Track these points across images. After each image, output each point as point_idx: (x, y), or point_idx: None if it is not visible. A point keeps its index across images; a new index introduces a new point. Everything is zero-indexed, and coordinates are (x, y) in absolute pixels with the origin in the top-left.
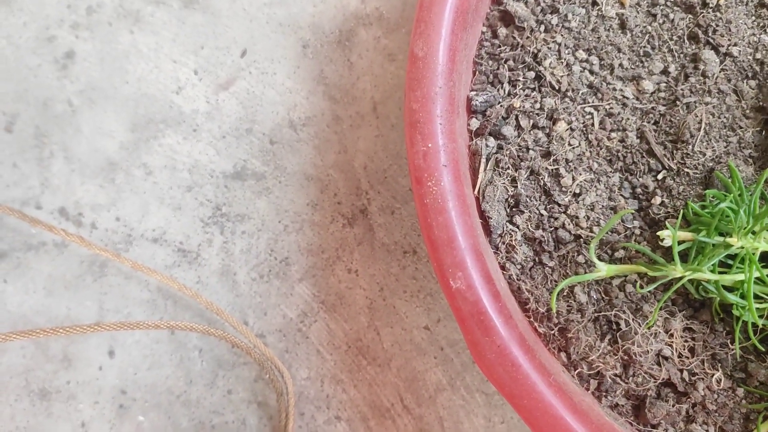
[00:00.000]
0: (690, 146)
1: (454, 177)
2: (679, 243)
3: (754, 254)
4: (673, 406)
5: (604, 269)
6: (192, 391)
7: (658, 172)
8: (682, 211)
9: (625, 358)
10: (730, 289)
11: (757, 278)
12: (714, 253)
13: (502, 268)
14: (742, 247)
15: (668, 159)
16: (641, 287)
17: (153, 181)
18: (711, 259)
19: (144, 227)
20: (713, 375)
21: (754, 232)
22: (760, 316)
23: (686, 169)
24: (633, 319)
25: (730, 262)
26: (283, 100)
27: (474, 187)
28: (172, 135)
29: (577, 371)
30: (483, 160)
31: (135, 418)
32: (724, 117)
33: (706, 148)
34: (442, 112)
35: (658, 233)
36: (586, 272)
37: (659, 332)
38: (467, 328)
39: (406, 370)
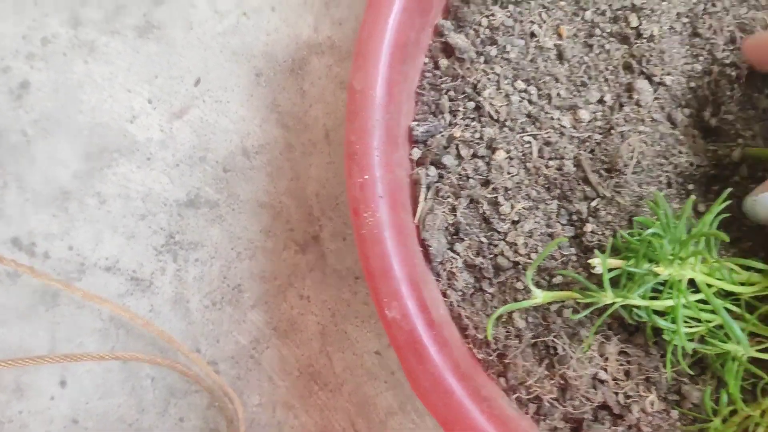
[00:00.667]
0: (623, 175)
1: (390, 207)
2: (611, 270)
3: (680, 281)
4: (610, 428)
5: (540, 296)
6: (144, 419)
7: (593, 199)
8: (612, 238)
9: (562, 382)
10: (662, 313)
11: (686, 304)
12: (643, 281)
13: (444, 294)
14: (669, 275)
15: (603, 187)
16: (574, 313)
17: (106, 209)
18: (640, 287)
19: (97, 256)
20: (647, 397)
21: (681, 259)
22: (690, 340)
23: (618, 198)
24: (569, 345)
25: (660, 287)
26: (236, 128)
27: (414, 215)
28: (125, 164)
29: (515, 395)
30: (423, 189)
31: None
32: (658, 145)
33: (639, 177)
34: (380, 144)
35: (589, 261)
36: (524, 298)
37: (594, 356)
38: (403, 356)
39: (357, 394)
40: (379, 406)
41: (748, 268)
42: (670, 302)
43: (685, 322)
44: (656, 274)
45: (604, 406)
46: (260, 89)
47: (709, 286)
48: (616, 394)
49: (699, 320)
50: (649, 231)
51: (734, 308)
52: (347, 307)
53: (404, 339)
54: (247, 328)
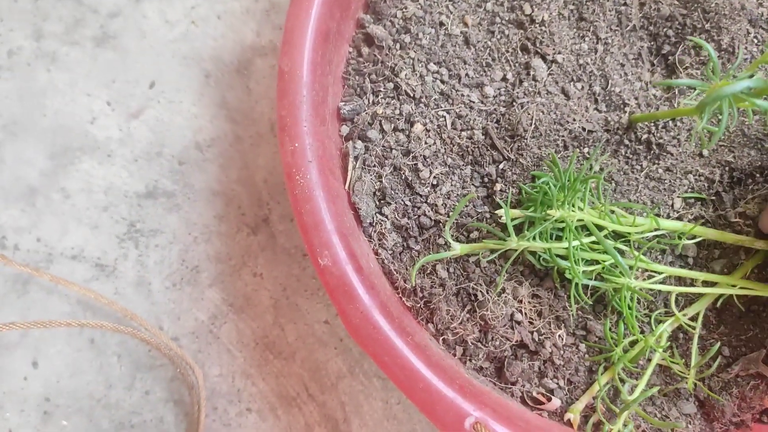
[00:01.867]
0: (524, 140)
1: (319, 171)
2: (514, 219)
3: (572, 222)
4: (528, 364)
5: (458, 248)
6: (112, 394)
7: (500, 162)
8: (519, 193)
9: (482, 323)
10: (565, 258)
11: (587, 244)
12: (538, 224)
13: (376, 253)
14: (561, 219)
15: (507, 151)
16: (483, 256)
17: (71, 203)
18: (536, 229)
19: (63, 246)
20: (557, 333)
21: (572, 204)
22: (589, 279)
23: (521, 160)
24: (487, 290)
25: (561, 234)
26: (189, 124)
27: (345, 183)
28: (88, 161)
29: (442, 338)
30: (352, 160)
31: (59, 422)
32: (554, 114)
33: (538, 141)
34: (307, 117)
35: (496, 211)
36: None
37: (509, 299)
38: (335, 299)
39: (309, 361)
40: (330, 371)
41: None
42: (566, 244)
43: (585, 262)
44: (548, 217)
45: (521, 345)
46: (210, 89)
47: (601, 228)
48: (531, 333)
49: (598, 261)
50: (541, 180)
51: (624, 247)
52: (297, 281)
53: (335, 283)
54: (206, 305)
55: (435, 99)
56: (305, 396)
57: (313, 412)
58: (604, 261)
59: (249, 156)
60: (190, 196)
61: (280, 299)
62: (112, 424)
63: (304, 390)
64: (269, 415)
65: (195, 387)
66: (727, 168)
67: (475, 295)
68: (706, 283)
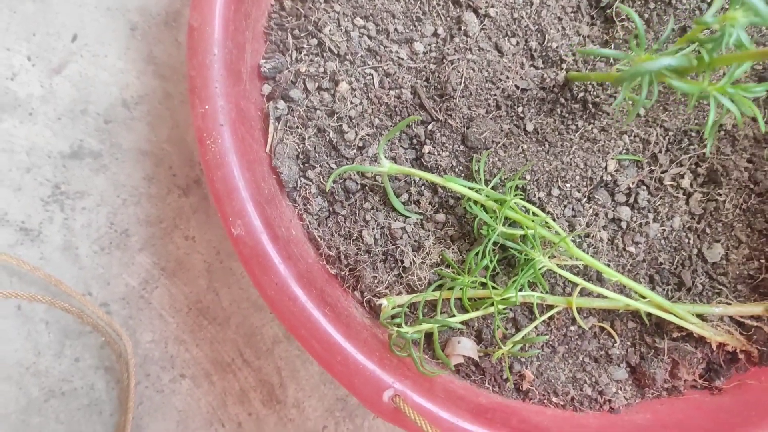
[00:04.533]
0: (453, 99)
1: (233, 135)
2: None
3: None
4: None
5: (386, 165)
6: (41, 361)
7: (429, 123)
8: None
9: (409, 288)
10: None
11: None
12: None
13: (301, 218)
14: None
15: (436, 111)
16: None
17: None
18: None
19: None
20: None
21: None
22: (508, 239)
23: (450, 121)
24: (415, 255)
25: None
26: (115, 80)
27: (266, 146)
28: (8, 119)
29: (368, 304)
30: (273, 121)
31: None
32: (485, 71)
33: (468, 100)
34: (219, 77)
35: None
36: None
37: (438, 262)
38: (250, 270)
39: (244, 326)
40: (266, 336)
41: None
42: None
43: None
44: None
45: None
46: (136, 42)
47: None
48: None
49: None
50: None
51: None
52: (231, 245)
53: (249, 253)
54: (136, 270)
55: (361, 56)
56: (240, 361)
57: (249, 378)
58: (527, 228)
59: (179, 114)
60: (117, 157)
61: (214, 263)
62: (42, 392)
63: (239, 355)
64: (203, 381)
65: (123, 355)
66: (662, 127)
67: (402, 261)
68: None
